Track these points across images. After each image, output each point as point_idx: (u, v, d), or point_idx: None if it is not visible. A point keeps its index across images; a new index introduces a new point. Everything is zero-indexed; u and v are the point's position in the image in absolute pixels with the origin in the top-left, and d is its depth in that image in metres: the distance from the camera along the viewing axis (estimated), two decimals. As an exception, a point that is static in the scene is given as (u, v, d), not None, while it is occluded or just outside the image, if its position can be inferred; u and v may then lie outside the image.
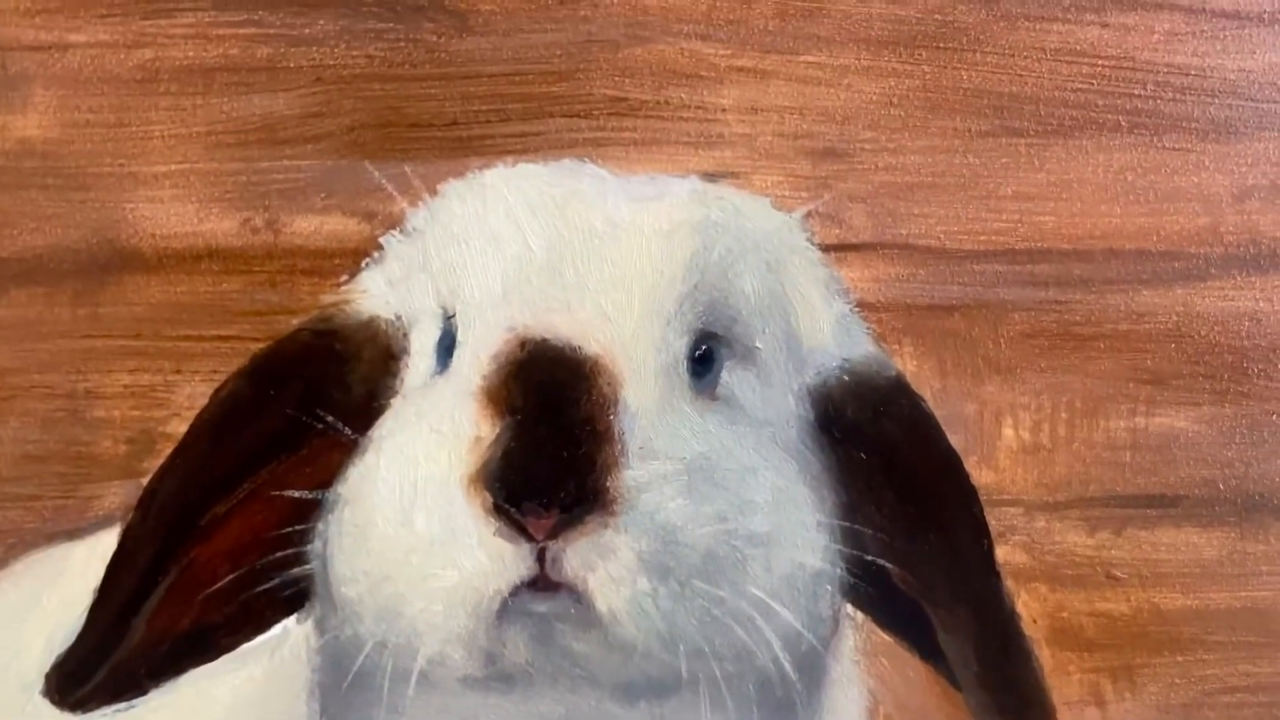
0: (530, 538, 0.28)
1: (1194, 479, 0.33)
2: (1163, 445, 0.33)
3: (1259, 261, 0.33)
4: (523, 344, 0.28)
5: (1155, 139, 0.32)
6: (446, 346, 0.29)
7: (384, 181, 0.30)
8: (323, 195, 0.31)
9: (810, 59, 0.31)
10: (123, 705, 0.31)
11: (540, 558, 0.29)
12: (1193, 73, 0.32)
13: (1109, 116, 0.32)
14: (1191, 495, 0.33)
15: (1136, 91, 0.32)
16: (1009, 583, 0.33)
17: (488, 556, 0.29)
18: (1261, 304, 0.33)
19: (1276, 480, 0.34)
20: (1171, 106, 0.32)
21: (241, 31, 0.31)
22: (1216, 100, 0.32)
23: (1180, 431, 0.33)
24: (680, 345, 0.29)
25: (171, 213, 0.31)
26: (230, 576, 0.30)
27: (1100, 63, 0.32)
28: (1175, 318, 0.33)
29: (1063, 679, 0.33)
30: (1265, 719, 0.34)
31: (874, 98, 0.31)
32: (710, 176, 0.31)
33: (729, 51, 0.31)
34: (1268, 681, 0.34)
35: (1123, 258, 0.32)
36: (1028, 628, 0.33)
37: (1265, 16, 0.32)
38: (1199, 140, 0.32)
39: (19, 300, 0.32)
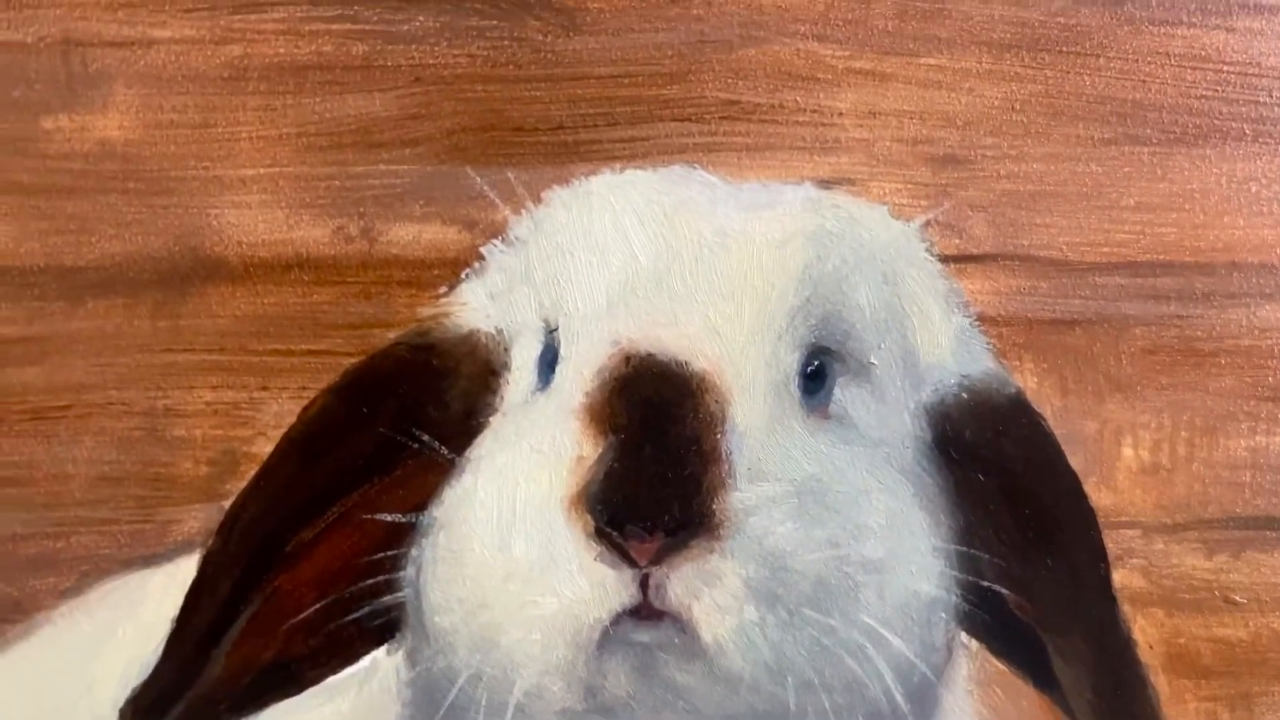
0: (633, 563, 0.27)
1: None
2: None
3: None
4: (628, 359, 0.28)
5: None
6: (549, 362, 0.28)
7: (486, 188, 0.29)
8: (421, 202, 0.30)
9: (930, 61, 0.30)
10: None
11: (643, 584, 0.28)
12: None
13: (1234, 125, 0.31)
14: None
15: (1262, 99, 0.31)
16: (1125, 608, 0.33)
17: (589, 583, 0.28)
18: None
19: None
20: None
21: (336, 28, 0.30)
22: None
23: None
24: (792, 361, 0.29)
25: (260, 219, 0.30)
26: (317, 605, 0.29)
27: (1226, 69, 0.31)
28: None
29: (1179, 708, 0.32)
30: None
31: (996, 102, 0.30)
32: (825, 183, 0.31)
33: (846, 53, 0.30)
34: None
35: (1245, 271, 0.31)
36: (1143, 654, 0.32)
37: None
38: None
39: (97, 311, 0.31)
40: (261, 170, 0.30)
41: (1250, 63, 0.32)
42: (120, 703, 0.30)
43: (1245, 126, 0.32)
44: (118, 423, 0.31)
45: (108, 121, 0.30)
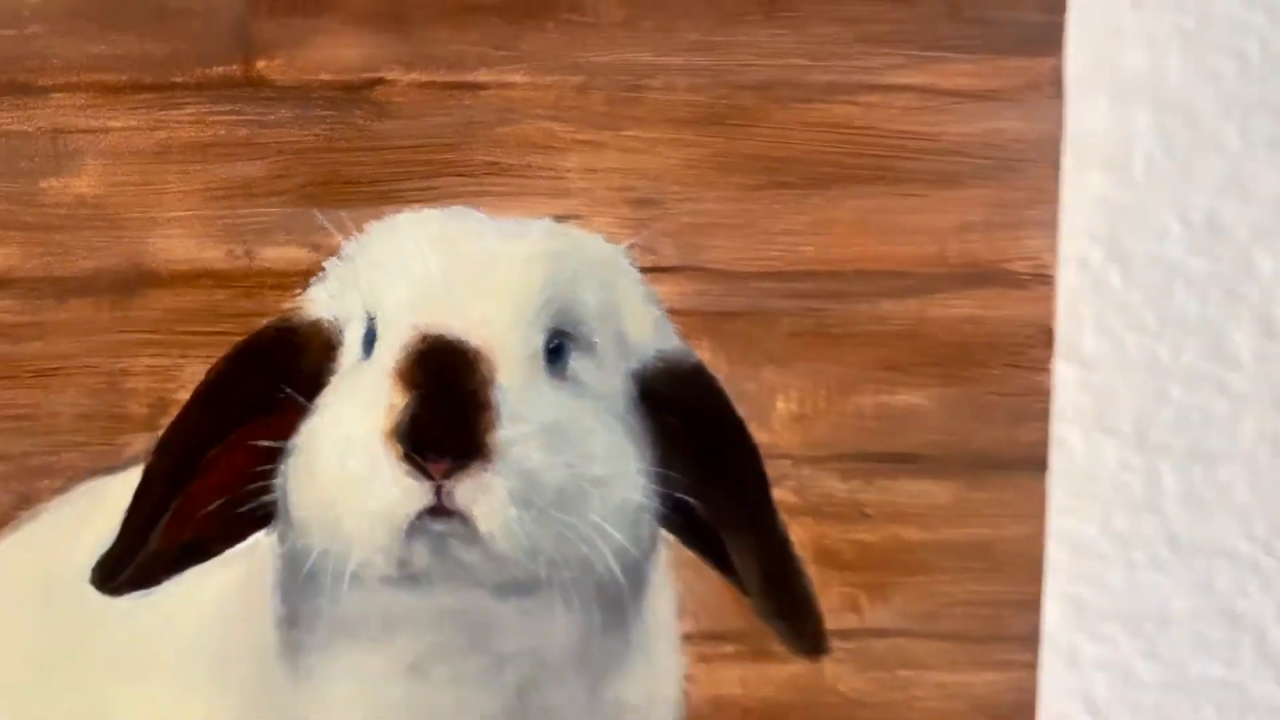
0: (430, 478, 0.36)
1: (926, 442, 0.40)
2: (902, 416, 0.40)
3: (976, 279, 0.39)
4: (424, 338, 0.35)
5: (894, 188, 0.39)
6: (369, 341, 0.36)
7: (326, 223, 0.37)
8: (284, 233, 0.39)
9: (632, 133, 0.37)
10: (144, 591, 0.38)
11: (438, 492, 0.37)
12: (924, 138, 0.38)
13: (858, 171, 0.38)
14: (925, 454, 0.39)
15: (879, 152, 0.38)
16: (784, 516, 0.41)
17: (400, 490, 0.36)
18: (978, 311, 0.40)
19: (992, 443, 0.41)
20: (907, 163, 0.38)
21: (227, 119, 0.39)
22: (943, 158, 0.39)
23: (915, 406, 0.40)
24: (538, 341, 0.37)
25: (179, 246, 0.40)
26: (219, 501, 0.37)
27: (850, 131, 0.38)
28: (910, 321, 0.39)
29: (826, 590, 0.39)
30: (988, 626, 0.40)
31: (678, 161, 0.37)
32: (559, 219, 0.38)
33: (572, 129, 0.38)
34: (989, 598, 0.40)
35: (868, 277, 0.38)
36: (799, 551, 0.41)
37: (980, 94, 0.39)
38: (928, 188, 0.39)
39: (76, 306, 0.41)
40: (180, 214, 0.39)
41: (869, 126, 0.39)
42: (92, 565, 0.38)
43: (866, 172, 0.39)
44: (90, 380, 0.41)
45: (81, 182, 0.40)
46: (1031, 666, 0.39)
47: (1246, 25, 0.44)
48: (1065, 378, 0.43)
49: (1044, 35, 0.39)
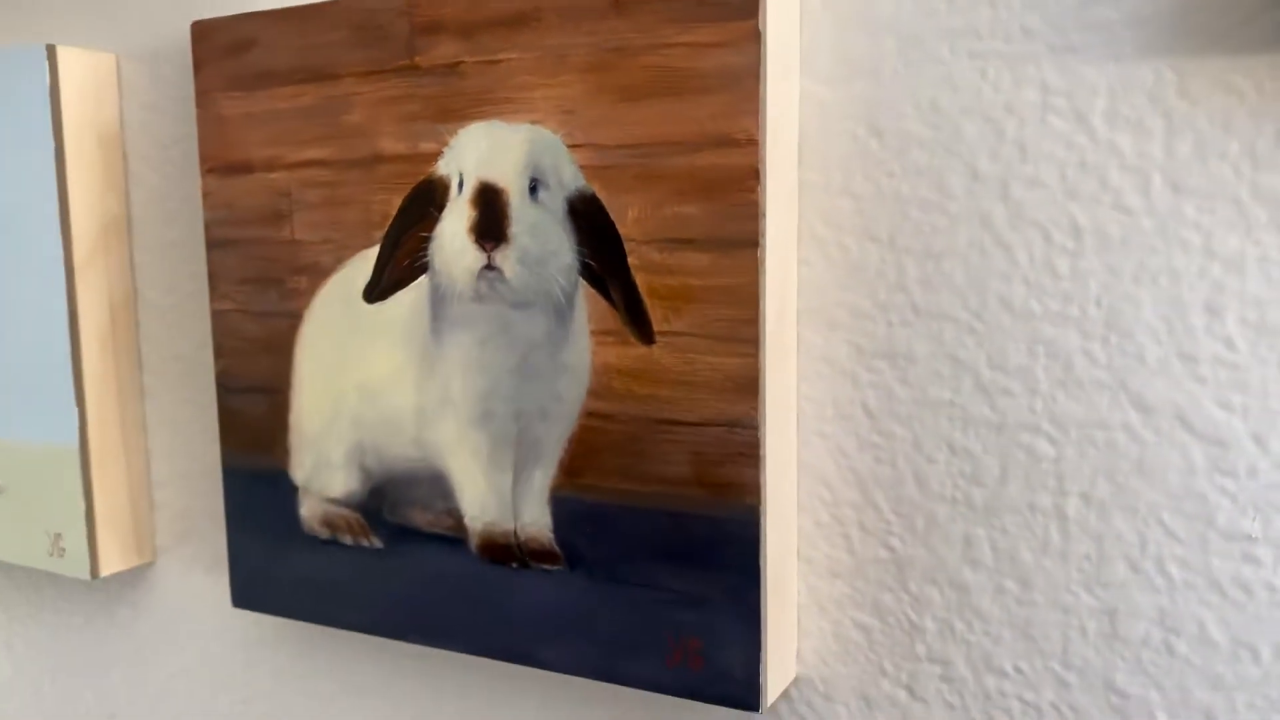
0: (485, 250, 0.57)
1: (700, 232, 0.48)
2: (688, 218, 0.48)
3: (720, 142, 0.51)
4: (479, 184, 0.57)
5: (680, 98, 0.50)
6: (460, 185, 0.58)
7: (444, 132, 0.60)
8: (430, 137, 0.62)
9: (563, 78, 0.61)
10: (382, 301, 0.63)
11: (489, 257, 0.58)
12: (694, 70, 0.53)
13: (662, 89, 0.47)
14: (699, 239, 0.54)
15: (673, 80, 0.50)
16: (632, 271, 0.56)
17: (473, 256, 0.58)
18: (720, 160, 0.54)
19: (731, 232, 0.55)
20: (685, 84, 0.49)
21: (404, 87, 0.71)
22: (702, 79, 0.53)
23: (694, 213, 0.51)
24: (525, 183, 0.56)
25: (392, 144, 0.70)
26: (408, 261, 0.61)
27: (661, 69, 0.53)
28: (690, 167, 0.49)
29: (653, 311, 0.56)
30: (730, 332, 0.55)
31: (582, 90, 0.59)
32: (533, 122, 0.58)
33: (538, 78, 0.58)
34: (730, 317, 0.54)
35: (669, 145, 0.56)
36: (640, 289, 0.56)
37: (715, 44, 0.57)
38: (696, 96, 0.51)
39: (353, 175, 0.74)
40: (392, 128, 0.72)
41: (669, 66, 0.59)
42: (363, 288, 0.64)
43: (667, 90, 0.59)
44: (361, 207, 0.63)
45: (354, 117, 0.74)
46: (754, 356, 0.52)
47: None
48: (845, 207, 0.56)
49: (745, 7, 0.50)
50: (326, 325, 0.66)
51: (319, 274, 0.67)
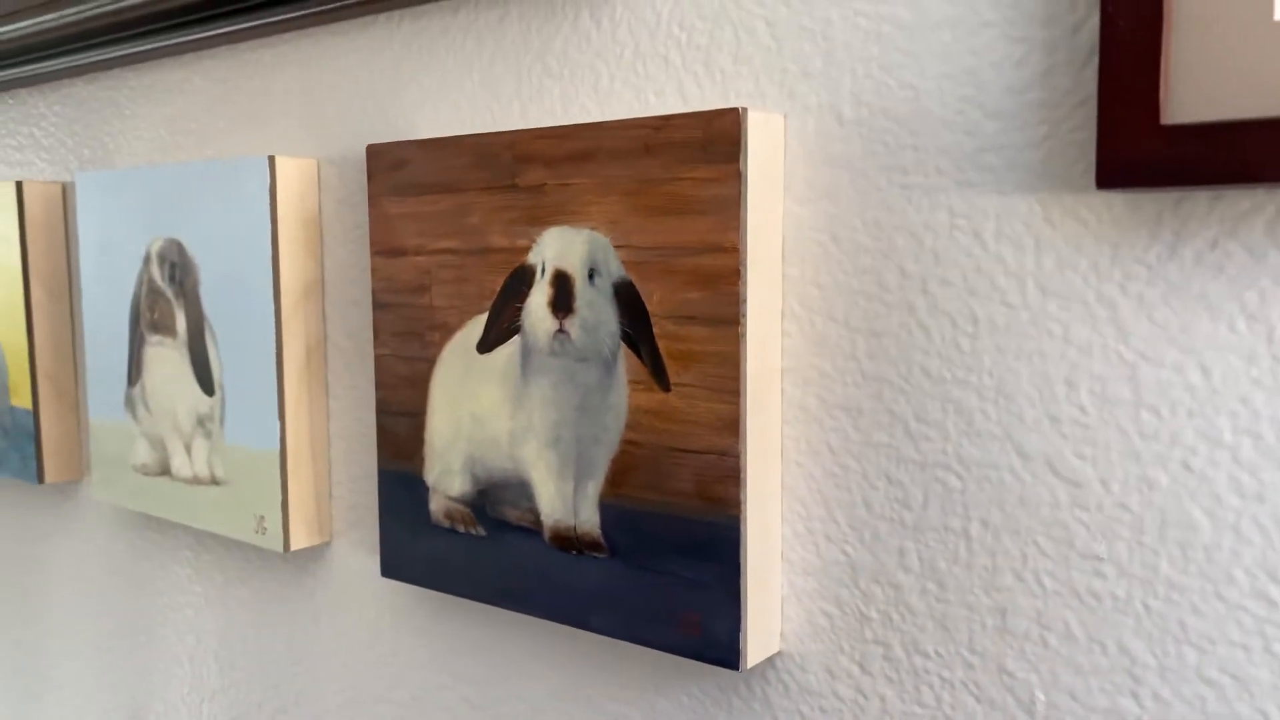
0: (559, 319, 0.69)
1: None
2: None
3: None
4: (556, 271, 0.69)
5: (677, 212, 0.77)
6: (542, 270, 0.69)
7: (532, 233, 0.84)
8: (525, 236, 0.89)
9: (611, 199, 0.83)
10: (489, 352, 0.75)
11: (560, 324, 0.69)
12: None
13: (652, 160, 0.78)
14: (705, 317, 0.78)
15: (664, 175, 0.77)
16: (656, 338, 0.70)
17: (550, 323, 0.70)
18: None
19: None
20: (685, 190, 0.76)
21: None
22: (705, 186, 0.76)
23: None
24: (586, 271, 0.68)
25: (499, 236, 0.95)
26: (507, 324, 0.73)
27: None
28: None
29: (669, 367, 0.71)
30: (723, 384, 0.69)
31: (624, 210, 0.82)
32: (592, 229, 0.68)
33: (572, 198, 0.84)
34: (727, 362, 0.76)
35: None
36: (660, 350, 0.69)
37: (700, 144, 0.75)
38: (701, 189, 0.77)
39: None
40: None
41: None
42: (477, 342, 0.76)
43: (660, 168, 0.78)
44: (474, 278, 0.94)
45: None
46: (737, 404, 0.62)
47: None
48: (813, 294, 0.66)
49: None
50: (451, 369, 0.77)
51: (447, 331, 0.77)
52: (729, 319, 0.64)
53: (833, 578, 0.68)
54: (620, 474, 0.70)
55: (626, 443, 0.69)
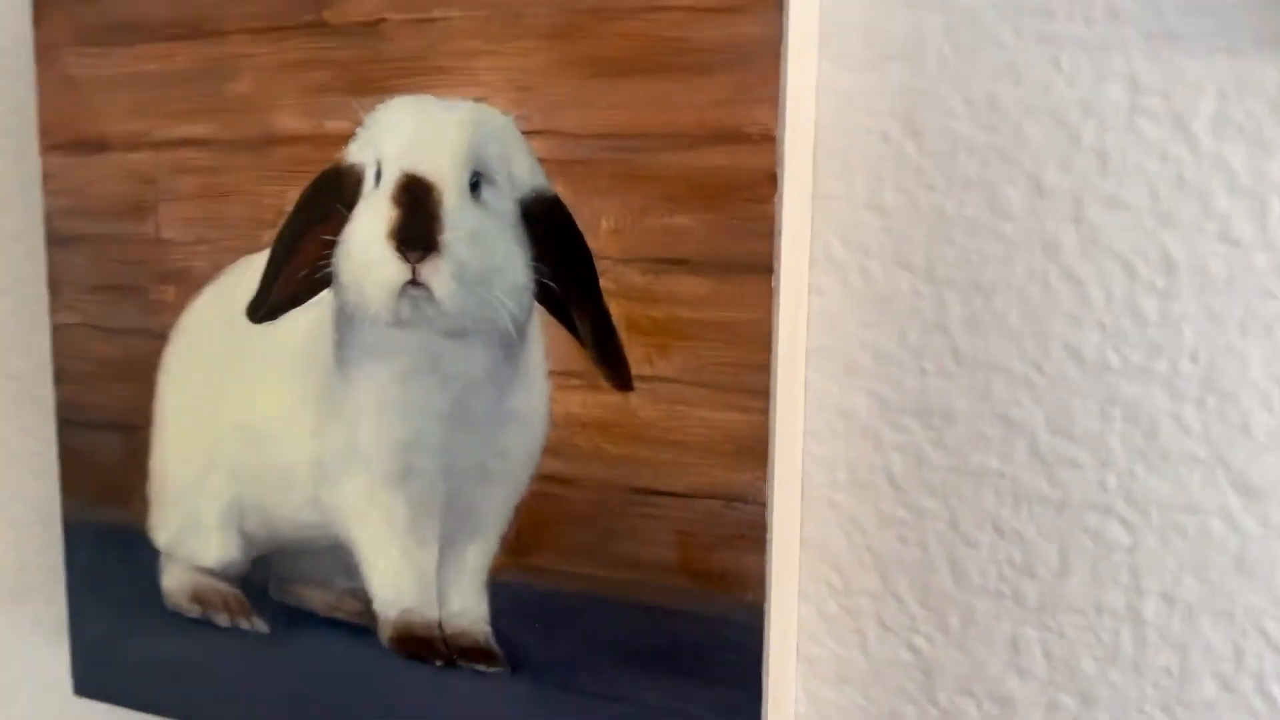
0: (409, 261, 0.49)
1: (695, 251, 0.46)
2: (679, 234, 0.47)
3: (724, 138, 0.45)
4: (405, 176, 0.49)
5: (671, 76, 0.45)
6: (378, 177, 0.51)
7: (358, 107, 0.53)
8: (338, 113, 0.54)
9: (517, 44, 0.49)
10: (270, 321, 0.56)
11: (414, 272, 0.49)
12: (690, 41, 0.45)
13: (648, 65, 0.46)
14: (693, 259, 0.47)
15: (662, 53, 0.46)
16: (606, 298, 0.49)
17: (394, 269, 0.49)
18: (726, 161, 0.45)
19: (735, 252, 0.46)
20: (679, 59, 0.46)
21: (310, 46, 0.51)
22: (702, 54, 0.44)
23: (687, 226, 0.46)
24: (465, 177, 0.49)
25: (291, 121, 0.56)
26: (305, 271, 0.53)
27: (646, 39, 0.45)
28: (682, 168, 0.46)
29: (632, 349, 0.48)
30: (733, 380, 0.47)
31: (543, 62, 0.48)
32: (477, 100, 0.51)
33: (483, 43, 0.49)
34: (734, 361, 0.46)
35: (656, 138, 0.45)
36: (615, 321, 0.49)
37: (724, 8, 0.44)
38: (694, 76, 0.45)
39: (242, 159, 0.61)
40: (290, 102, 0.53)
41: (657, 35, 0.47)
42: (246, 304, 0.56)
43: (654, 66, 0.45)
44: (248, 199, 0.56)
45: (242, 85, 0.59)
46: (763, 411, 0.46)
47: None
48: (870, 223, 0.50)
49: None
50: (199, 348, 0.59)
51: (191, 283, 0.59)
52: (753, 263, 0.47)
53: (890, 687, 0.52)
54: (531, 533, 0.52)
55: (544, 478, 0.52)
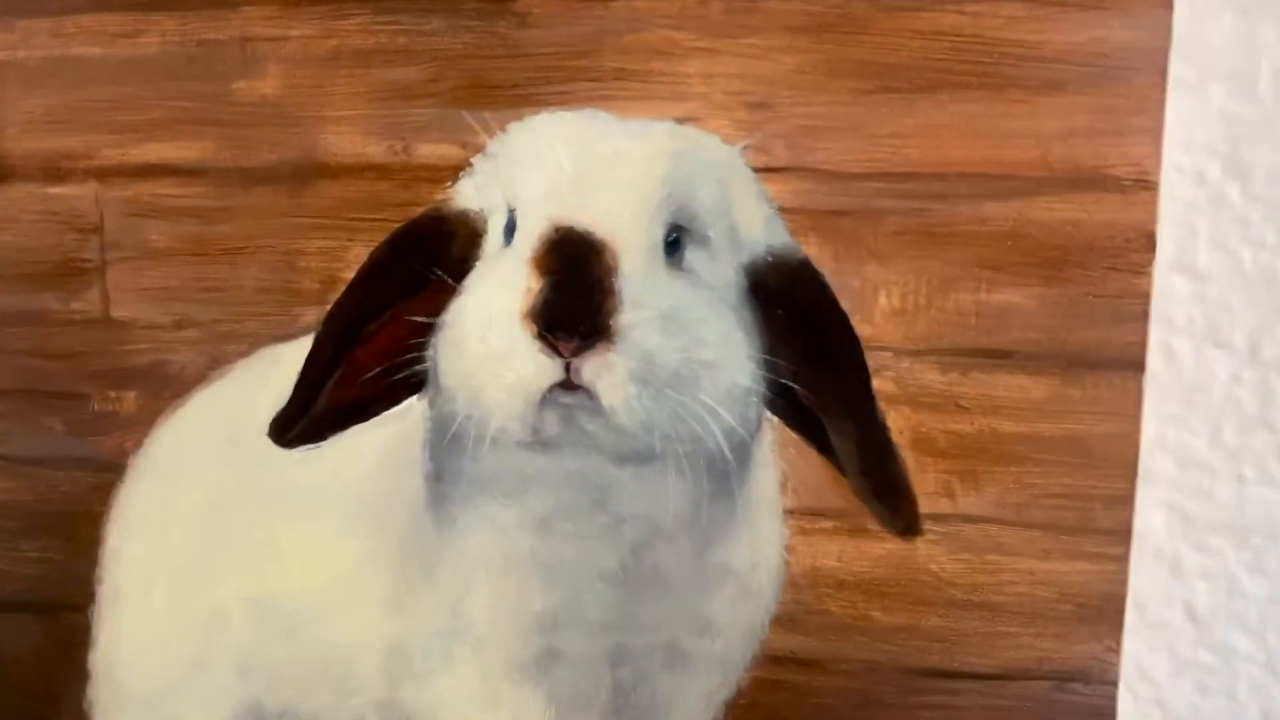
0: (560, 355, 0.39)
1: (1024, 339, 0.41)
2: (1000, 314, 0.41)
3: (1078, 183, 0.40)
4: (557, 229, 0.38)
5: (999, 93, 0.40)
6: (509, 230, 0.40)
7: (473, 123, 0.42)
8: (437, 131, 0.44)
9: (748, 41, 0.40)
10: (313, 445, 0.44)
11: (567, 369, 0.40)
12: (1029, 45, 0.39)
13: (963, 77, 0.40)
14: (1022, 350, 0.41)
15: (985, 59, 0.40)
16: (882, 404, 0.40)
17: (534, 365, 0.39)
18: (1080, 214, 0.41)
19: (1088, 342, 0.42)
20: (1012, 69, 0.40)
21: (388, 28, 0.44)
22: (1048, 65, 0.40)
23: (1014, 304, 0.41)
24: (659, 233, 0.39)
25: (346, 141, 0.46)
26: (378, 369, 0.41)
27: (957, 39, 0.40)
28: (1011, 223, 0.40)
29: (922, 476, 0.42)
30: (1079, 518, 0.42)
31: (791, 66, 0.40)
32: (679, 120, 0.42)
33: (693, 36, 0.41)
34: (1080, 492, 0.42)
35: (971, 179, 0.40)
36: (896, 438, 0.40)
37: (1086, 4, 0.39)
38: (1033, 94, 0.40)
39: (259, 193, 0.47)
40: (348, 113, 0.45)
41: (976, 34, 0.40)
42: (270, 419, 0.44)
43: (972, 79, 0.40)
44: (270, 258, 0.47)
45: (265, 85, 0.46)
46: (1122, 560, 0.41)
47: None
48: (1178, 290, 0.43)
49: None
50: (183, 487, 0.49)
51: (164, 387, 0.49)
52: (1119, 356, 0.40)
53: None
54: (751, 740, 0.46)
55: (776, 661, 0.43)
